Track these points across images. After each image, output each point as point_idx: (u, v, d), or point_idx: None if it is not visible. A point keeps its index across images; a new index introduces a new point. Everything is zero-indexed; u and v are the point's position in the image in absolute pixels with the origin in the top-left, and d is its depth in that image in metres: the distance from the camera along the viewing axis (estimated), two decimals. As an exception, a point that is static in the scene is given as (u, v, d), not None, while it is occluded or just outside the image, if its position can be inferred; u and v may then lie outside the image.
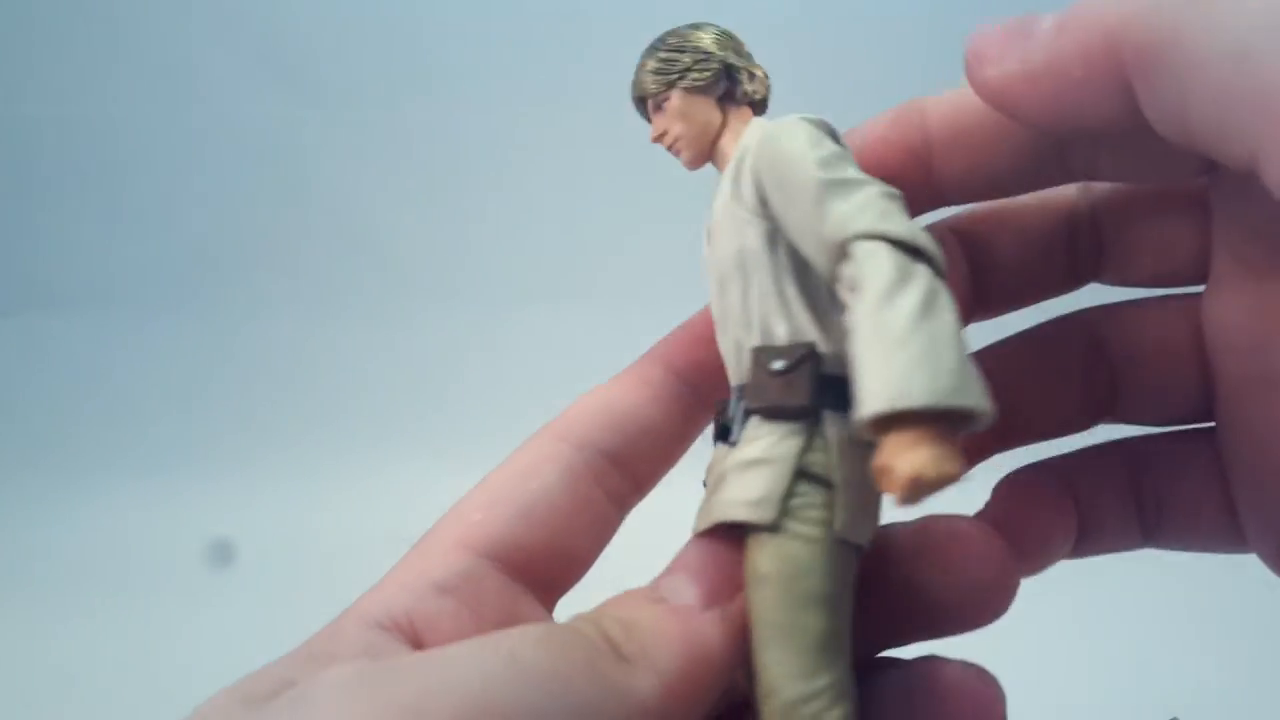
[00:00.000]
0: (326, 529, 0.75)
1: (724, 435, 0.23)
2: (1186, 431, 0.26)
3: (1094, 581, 0.69)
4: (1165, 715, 0.53)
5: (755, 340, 0.22)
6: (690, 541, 0.22)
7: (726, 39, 0.25)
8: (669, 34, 0.25)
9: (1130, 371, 0.25)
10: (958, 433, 0.18)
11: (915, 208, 0.24)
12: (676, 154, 0.25)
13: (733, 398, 0.23)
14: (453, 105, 0.91)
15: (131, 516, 0.81)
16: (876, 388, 0.17)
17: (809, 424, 0.21)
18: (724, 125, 0.25)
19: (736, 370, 0.23)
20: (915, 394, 0.17)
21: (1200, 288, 0.25)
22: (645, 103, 0.26)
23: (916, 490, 0.17)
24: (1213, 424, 0.25)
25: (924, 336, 0.18)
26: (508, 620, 0.22)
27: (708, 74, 0.25)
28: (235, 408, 0.92)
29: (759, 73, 0.26)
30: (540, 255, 0.92)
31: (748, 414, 0.22)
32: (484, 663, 0.18)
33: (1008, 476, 0.26)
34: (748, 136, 0.24)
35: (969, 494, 0.25)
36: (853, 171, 0.21)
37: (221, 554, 0.76)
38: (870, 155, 0.24)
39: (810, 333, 0.22)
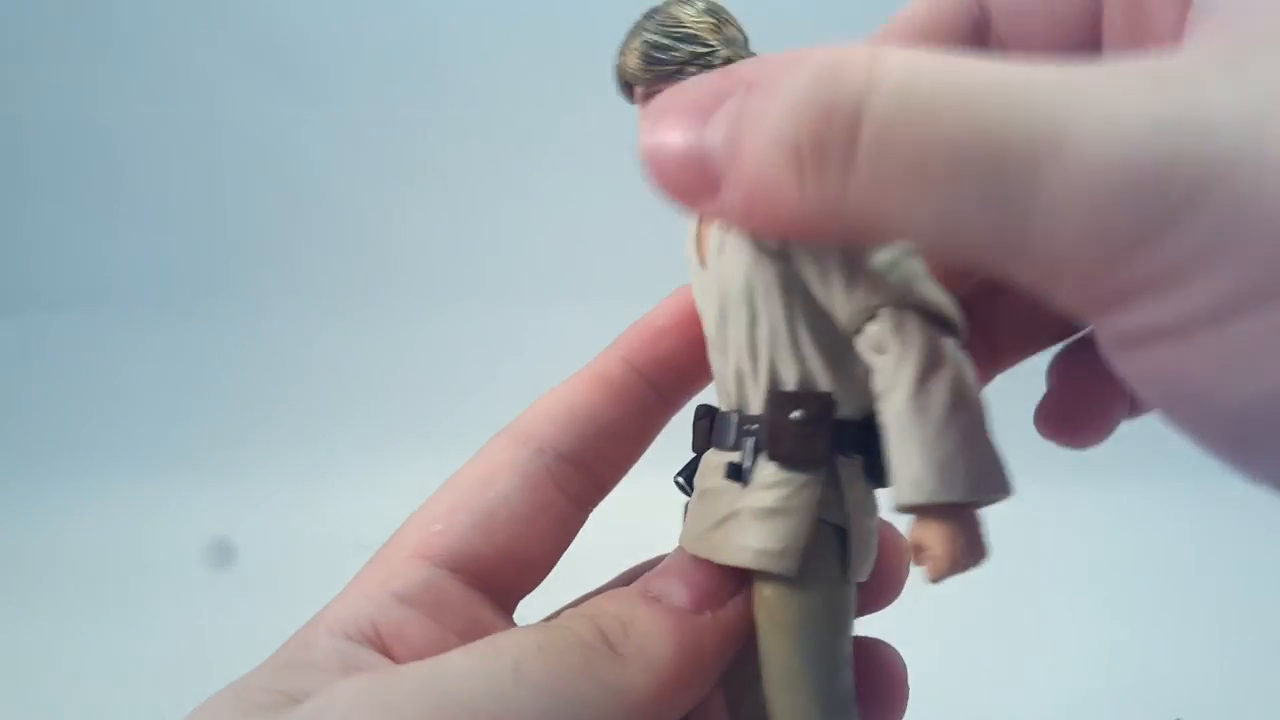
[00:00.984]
0: (327, 529, 0.75)
1: (705, 446, 0.23)
2: None
3: (1098, 581, 0.69)
4: (1169, 716, 0.53)
5: (762, 380, 0.22)
6: (679, 550, 0.23)
7: (720, 20, 0.22)
8: (657, 11, 0.22)
9: None
10: (980, 509, 0.19)
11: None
12: None
13: (732, 424, 0.22)
14: (448, 104, 0.91)
15: (131, 517, 0.82)
16: (917, 478, 0.19)
17: (825, 473, 0.21)
18: None
19: (732, 395, 0.23)
20: (957, 489, 0.18)
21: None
22: (632, 87, 0.23)
23: (953, 573, 0.19)
24: None
25: (958, 429, 0.19)
26: (471, 628, 0.22)
27: (710, 71, 0.21)
28: (235, 407, 0.92)
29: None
30: (539, 256, 0.92)
31: (759, 452, 0.22)
32: (490, 676, 0.19)
33: (1056, 359, 0.26)
34: None
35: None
36: None
37: (221, 554, 0.76)
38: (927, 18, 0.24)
39: (822, 380, 0.21)
